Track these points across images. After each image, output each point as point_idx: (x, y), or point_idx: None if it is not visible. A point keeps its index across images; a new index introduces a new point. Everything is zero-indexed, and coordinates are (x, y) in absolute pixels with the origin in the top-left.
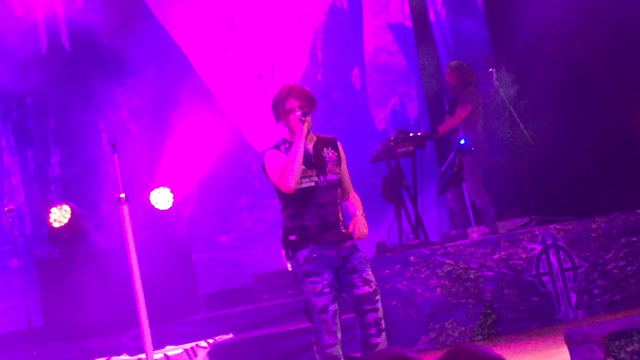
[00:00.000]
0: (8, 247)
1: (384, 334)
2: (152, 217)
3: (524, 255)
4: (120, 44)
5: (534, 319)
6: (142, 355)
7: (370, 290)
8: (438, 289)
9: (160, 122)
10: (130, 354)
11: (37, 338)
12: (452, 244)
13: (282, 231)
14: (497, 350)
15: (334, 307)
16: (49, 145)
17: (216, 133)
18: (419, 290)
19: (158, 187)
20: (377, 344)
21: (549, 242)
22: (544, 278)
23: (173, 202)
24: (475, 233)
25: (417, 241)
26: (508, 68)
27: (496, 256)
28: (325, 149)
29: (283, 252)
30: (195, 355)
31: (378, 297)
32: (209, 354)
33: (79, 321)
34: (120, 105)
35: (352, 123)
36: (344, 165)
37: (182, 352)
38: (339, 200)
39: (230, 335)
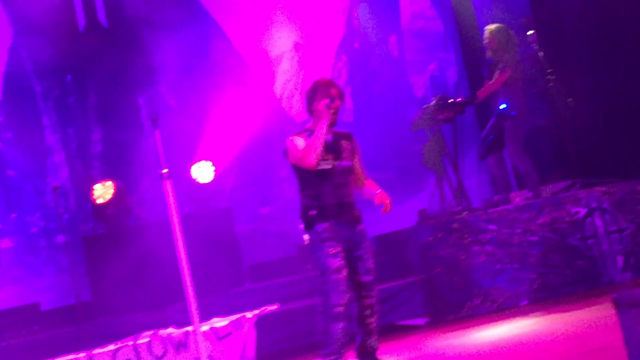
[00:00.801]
0: (54, 224)
1: (376, 314)
2: (194, 191)
3: (568, 219)
4: (156, 18)
5: (580, 282)
6: (189, 328)
7: (371, 279)
8: (482, 255)
9: (199, 96)
10: (177, 327)
11: (85, 313)
12: (495, 209)
13: (301, 207)
14: (544, 315)
15: (346, 271)
16: (90, 123)
17: (255, 105)
18: (463, 257)
19: (199, 160)
20: (369, 323)
21: (594, 205)
22: (590, 241)
23: (214, 176)
24: (518, 198)
25: (459, 207)
26: (547, 30)
27: (540, 220)
28: (343, 141)
29: (301, 225)
30: (242, 327)
31: (375, 285)
32: (255, 324)
33: (125, 295)
34: (158, 80)
35: (391, 90)
36: (358, 157)
37: (228, 324)
38: (351, 184)
39: (276, 306)
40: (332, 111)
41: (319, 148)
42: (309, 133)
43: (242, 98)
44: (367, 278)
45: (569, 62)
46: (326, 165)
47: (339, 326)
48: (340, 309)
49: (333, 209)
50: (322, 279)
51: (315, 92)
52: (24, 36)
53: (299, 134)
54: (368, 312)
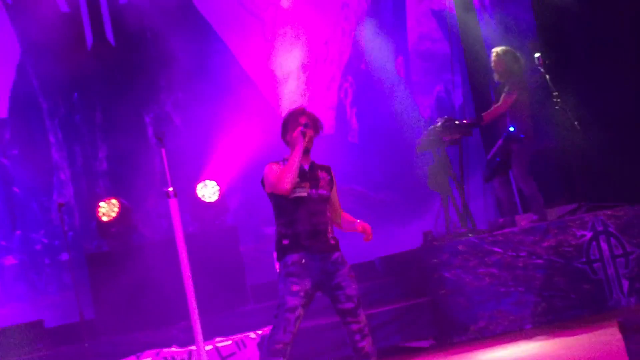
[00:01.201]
0: (58, 241)
1: (368, 338)
2: (199, 210)
3: (573, 242)
4: (163, 38)
5: (585, 306)
6: (192, 347)
7: (353, 305)
8: (487, 278)
9: (204, 115)
10: (181, 346)
11: (88, 331)
12: (500, 232)
13: (276, 236)
14: (549, 339)
15: (300, 311)
16: (96, 140)
17: (260, 125)
18: (468, 279)
19: (204, 180)
20: (362, 347)
21: (599, 228)
22: (595, 265)
23: (219, 195)
24: (523, 221)
25: (464, 230)
26: (554, 53)
27: (545, 244)
28: (319, 172)
29: (275, 254)
30: (245, 346)
31: (359, 310)
32: (258, 345)
33: (129, 314)
34: (164, 99)
35: (397, 111)
36: (335, 189)
37: (231, 344)
38: (328, 215)
39: None
40: (306, 138)
41: (293, 173)
42: (285, 162)
43: (248, 117)
44: (349, 305)
45: (575, 85)
46: (302, 193)
47: None
48: (280, 346)
49: (306, 237)
50: (275, 312)
51: (287, 123)
52: (32, 54)
53: (276, 162)
54: (358, 337)
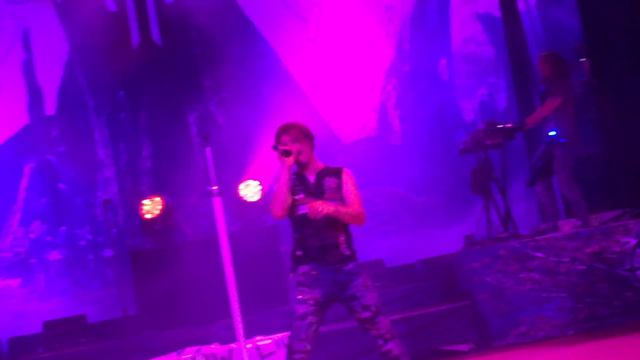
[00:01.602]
0: (102, 237)
1: (392, 341)
2: (241, 209)
3: (617, 249)
4: (208, 37)
5: (628, 314)
6: (233, 345)
7: (370, 314)
8: (528, 283)
9: (247, 115)
10: (221, 344)
11: (130, 326)
12: (542, 237)
13: (291, 247)
14: (591, 346)
15: (312, 318)
16: (140, 138)
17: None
18: (509, 284)
19: (246, 179)
20: (388, 350)
21: None
22: (638, 273)
23: (261, 194)
24: (566, 226)
25: (506, 234)
26: (600, 57)
27: (588, 250)
28: (327, 177)
29: (290, 265)
30: (285, 346)
31: (379, 318)
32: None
33: (171, 310)
34: (208, 98)
35: (440, 114)
36: (346, 188)
37: (271, 343)
38: (340, 225)
39: None
40: (289, 158)
41: (280, 201)
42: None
43: (291, 118)
44: (365, 314)
45: (620, 89)
46: (306, 209)
47: None
48: (299, 355)
49: (316, 251)
50: (289, 322)
51: (276, 139)
52: (79, 52)
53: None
54: (381, 341)
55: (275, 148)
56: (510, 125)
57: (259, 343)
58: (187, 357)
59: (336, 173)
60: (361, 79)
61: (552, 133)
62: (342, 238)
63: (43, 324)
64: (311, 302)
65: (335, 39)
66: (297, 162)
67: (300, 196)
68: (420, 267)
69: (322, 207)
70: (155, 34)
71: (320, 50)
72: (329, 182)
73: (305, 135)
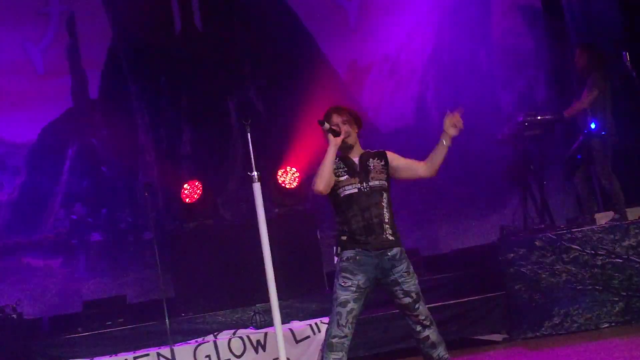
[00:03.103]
0: (142, 220)
1: (430, 328)
2: (279, 195)
3: None
4: (250, 25)
5: None
6: (268, 329)
7: (411, 300)
8: (564, 274)
9: (286, 103)
10: (257, 328)
11: (169, 308)
12: (579, 229)
13: (336, 231)
14: (626, 340)
15: (353, 305)
16: (180, 124)
17: None
18: (544, 275)
19: (285, 166)
20: (426, 337)
21: None
22: None
23: (298, 182)
24: (603, 219)
25: (542, 225)
26: None
27: (625, 243)
28: (371, 159)
29: (335, 248)
30: (320, 331)
31: (418, 304)
32: None
33: (208, 293)
34: (249, 85)
35: (478, 105)
36: (396, 161)
37: (306, 327)
38: (384, 205)
39: None
40: (337, 138)
41: (325, 173)
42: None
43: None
44: (406, 300)
45: None
46: (351, 190)
47: (332, 357)
48: (336, 340)
49: (361, 233)
50: (330, 307)
51: (327, 118)
52: (122, 37)
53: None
54: (419, 327)
55: (322, 124)
56: (549, 117)
57: (295, 327)
58: (223, 339)
59: (380, 155)
60: (400, 68)
61: (593, 125)
62: (387, 218)
63: (83, 304)
64: (353, 288)
65: (375, 28)
66: (344, 143)
67: (344, 177)
68: (456, 257)
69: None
70: (198, 20)
71: (360, 40)
72: (374, 163)
73: (355, 120)
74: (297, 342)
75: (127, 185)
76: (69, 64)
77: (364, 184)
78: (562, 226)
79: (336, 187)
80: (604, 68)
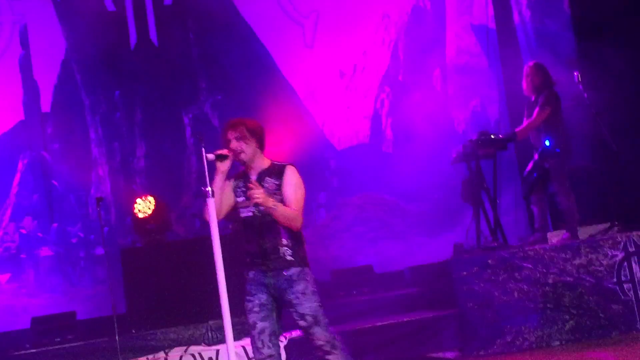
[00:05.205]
0: (93, 235)
1: (331, 354)
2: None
3: (605, 262)
4: (205, 40)
5: (614, 327)
6: (220, 346)
7: (305, 324)
8: (515, 293)
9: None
10: (209, 345)
11: (120, 324)
12: (531, 247)
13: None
14: (576, 358)
15: (262, 325)
16: (134, 138)
17: (297, 130)
18: (496, 293)
19: None
20: None
21: (632, 249)
22: (626, 286)
23: None
24: (555, 238)
25: (495, 244)
26: (593, 71)
27: (576, 262)
28: (268, 178)
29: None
30: None
31: (314, 329)
32: (285, 347)
33: (160, 309)
34: (204, 100)
35: (432, 124)
36: (286, 188)
37: None
38: (280, 227)
39: None
40: (227, 160)
41: (217, 206)
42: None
43: (285, 122)
44: (302, 323)
45: (614, 103)
46: (247, 213)
47: None
48: None
49: (257, 256)
50: None
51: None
52: (76, 50)
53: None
54: (320, 353)
55: (219, 158)
56: (502, 136)
57: (247, 344)
58: (174, 357)
59: (278, 172)
60: (355, 86)
61: (547, 143)
62: (283, 241)
63: (31, 320)
64: (256, 309)
65: (331, 46)
66: (239, 161)
67: (242, 199)
68: (409, 274)
69: (259, 195)
70: (153, 35)
71: (316, 56)
72: (269, 183)
73: (252, 133)
74: (250, 359)
75: (78, 200)
76: (20, 75)
77: (258, 207)
78: (514, 245)
79: (236, 207)
80: (553, 86)
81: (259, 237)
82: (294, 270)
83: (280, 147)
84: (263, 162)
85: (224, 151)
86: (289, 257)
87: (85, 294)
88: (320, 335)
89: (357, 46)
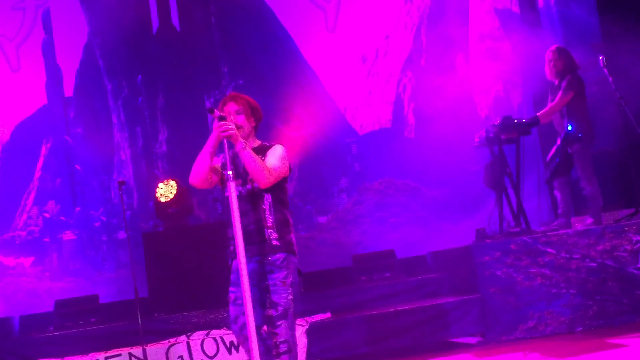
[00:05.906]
0: (116, 219)
1: (284, 355)
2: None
3: (629, 248)
4: (227, 24)
5: (637, 312)
6: None
7: (275, 314)
8: (538, 278)
9: (264, 102)
10: (230, 329)
11: (141, 308)
12: (554, 232)
13: None
14: (599, 343)
15: (244, 318)
16: (156, 123)
17: (319, 114)
18: (519, 279)
19: None
20: None
21: None
22: None
23: None
24: (578, 223)
25: (518, 229)
26: (618, 56)
27: (600, 247)
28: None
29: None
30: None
31: (281, 322)
32: (307, 332)
33: (181, 293)
34: (225, 84)
35: (454, 109)
36: (266, 157)
37: None
38: (265, 208)
39: (328, 315)
40: (224, 128)
41: (198, 165)
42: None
43: (307, 107)
44: (270, 312)
45: (639, 88)
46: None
47: None
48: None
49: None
50: None
51: (221, 106)
52: (99, 35)
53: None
54: (274, 352)
55: (211, 111)
56: (525, 120)
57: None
58: (196, 340)
59: (265, 150)
60: (378, 71)
61: (570, 128)
62: (269, 223)
63: (55, 303)
64: (239, 301)
65: (353, 30)
66: (230, 137)
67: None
68: (431, 259)
69: (231, 126)
70: (175, 19)
71: (337, 41)
72: None
73: (252, 111)
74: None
75: (101, 184)
76: (44, 60)
77: (243, 187)
78: (537, 230)
79: (224, 186)
80: (576, 70)
81: (243, 218)
82: (279, 256)
83: (302, 131)
84: (254, 142)
85: (224, 114)
86: (274, 242)
87: (108, 277)
88: (284, 330)
89: (380, 31)
